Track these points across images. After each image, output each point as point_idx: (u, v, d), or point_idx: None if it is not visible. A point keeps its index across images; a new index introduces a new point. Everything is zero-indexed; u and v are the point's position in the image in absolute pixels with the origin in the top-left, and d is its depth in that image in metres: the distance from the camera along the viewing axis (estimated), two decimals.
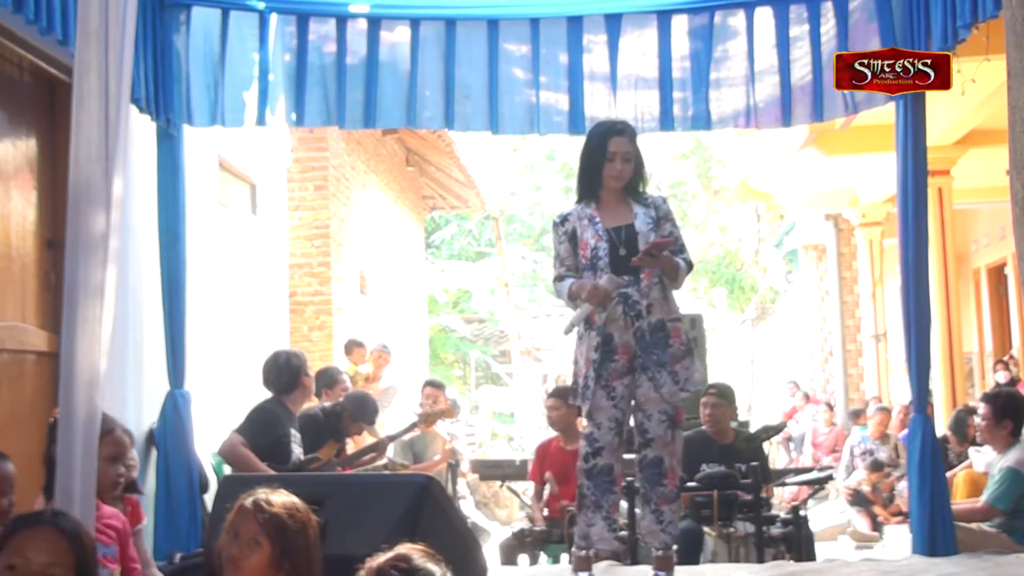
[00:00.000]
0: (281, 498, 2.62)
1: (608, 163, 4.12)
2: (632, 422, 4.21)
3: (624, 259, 4.03)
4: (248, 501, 2.60)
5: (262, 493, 2.61)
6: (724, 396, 5.75)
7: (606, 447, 4.07)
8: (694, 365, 4.11)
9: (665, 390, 4.04)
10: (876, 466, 9.31)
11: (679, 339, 4.07)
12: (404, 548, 2.22)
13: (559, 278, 4.17)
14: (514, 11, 5.18)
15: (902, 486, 8.43)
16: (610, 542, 4.14)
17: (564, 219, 4.20)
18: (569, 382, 4.43)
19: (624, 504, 4.93)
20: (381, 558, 2.20)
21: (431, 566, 2.19)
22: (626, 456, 4.27)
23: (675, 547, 4.23)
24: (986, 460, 6.23)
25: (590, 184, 4.19)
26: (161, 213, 5.01)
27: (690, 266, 4.16)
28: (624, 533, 4.79)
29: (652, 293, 4.04)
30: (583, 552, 4.15)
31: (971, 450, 6.87)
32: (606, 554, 4.29)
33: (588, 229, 4.10)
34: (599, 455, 4.08)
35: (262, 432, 5.10)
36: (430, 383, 8.04)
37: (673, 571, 4.16)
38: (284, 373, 5.29)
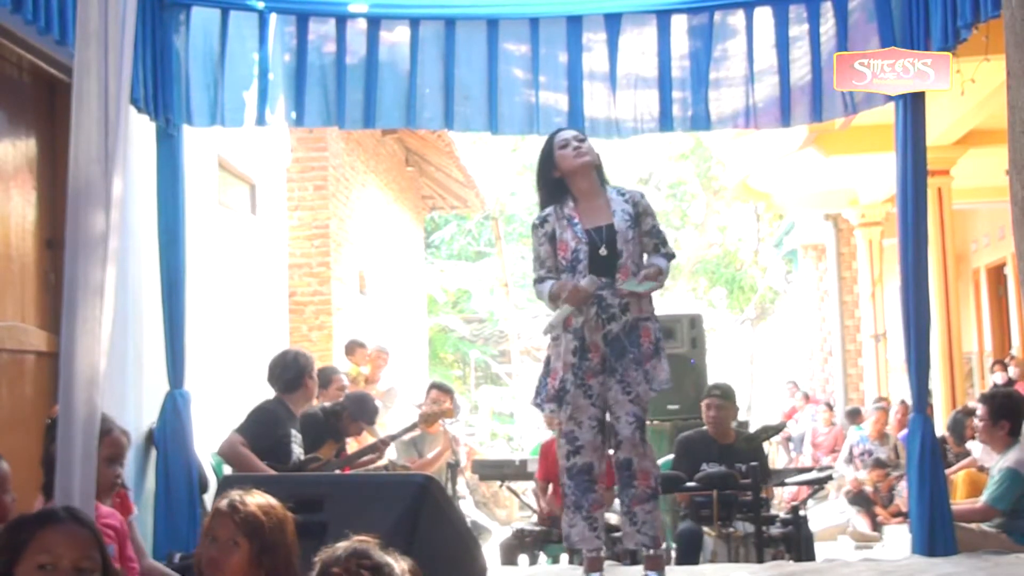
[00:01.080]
0: (255, 498, 2.63)
1: (560, 151, 4.15)
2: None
3: (605, 259, 4.04)
4: (223, 503, 2.62)
5: (236, 494, 2.63)
6: (727, 397, 5.76)
7: (587, 445, 4.08)
8: (660, 365, 4.11)
9: (642, 388, 4.06)
10: (878, 464, 9.31)
11: (648, 339, 4.09)
12: (358, 544, 2.22)
13: (540, 280, 4.17)
14: (514, 11, 5.18)
15: (902, 486, 8.43)
16: (591, 541, 4.12)
17: (543, 220, 4.19)
18: None
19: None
20: (335, 553, 2.20)
21: (389, 560, 2.19)
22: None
23: (664, 546, 4.23)
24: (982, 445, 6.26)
25: (552, 188, 4.19)
26: (161, 213, 5.01)
27: (671, 258, 4.20)
28: (618, 534, 4.79)
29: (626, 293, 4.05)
30: (593, 553, 4.15)
31: (970, 443, 6.89)
32: (605, 554, 4.28)
33: (567, 230, 4.10)
34: (579, 453, 4.09)
35: (262, 432, 5.09)
36: (436, 386, 7.90)
37: (663, 571, 4.15)
38: (289, 370, 5.27)
